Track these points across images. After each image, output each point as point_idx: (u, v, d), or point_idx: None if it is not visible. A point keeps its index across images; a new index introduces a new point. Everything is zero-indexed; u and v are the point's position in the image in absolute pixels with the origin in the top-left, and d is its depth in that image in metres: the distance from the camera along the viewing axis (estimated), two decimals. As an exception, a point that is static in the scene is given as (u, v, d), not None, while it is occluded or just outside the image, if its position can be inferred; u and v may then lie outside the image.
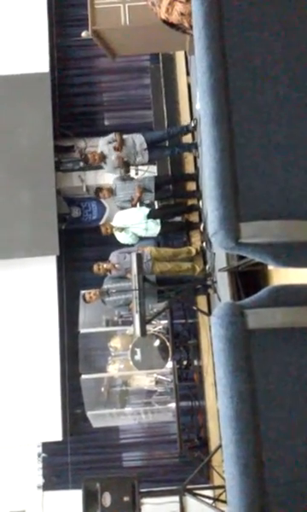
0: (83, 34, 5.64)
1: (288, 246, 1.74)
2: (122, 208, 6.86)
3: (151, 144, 6.61)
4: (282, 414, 1.70)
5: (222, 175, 1.75)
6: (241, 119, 1.80)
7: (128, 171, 6.77)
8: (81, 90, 8.19)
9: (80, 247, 7.84)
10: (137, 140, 6.56)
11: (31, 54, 7.71)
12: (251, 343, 1.71)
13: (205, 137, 1.81)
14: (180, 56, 7.43)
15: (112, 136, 6.56)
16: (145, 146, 6.56)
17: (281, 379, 1.72)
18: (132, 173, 6.99)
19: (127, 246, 6.78)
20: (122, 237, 6.70)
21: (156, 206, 7.05)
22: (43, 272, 7.48)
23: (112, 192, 6.76)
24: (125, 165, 6.60)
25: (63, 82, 8.04)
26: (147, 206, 6.81)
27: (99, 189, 6.90)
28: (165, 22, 3.46)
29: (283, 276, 3.95)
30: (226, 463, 1.71)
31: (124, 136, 6.55)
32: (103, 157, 6.59)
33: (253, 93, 1.84)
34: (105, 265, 6.38)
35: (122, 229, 6.61)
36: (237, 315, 1.72)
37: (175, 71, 7.50)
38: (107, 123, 8.11)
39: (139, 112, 7.81)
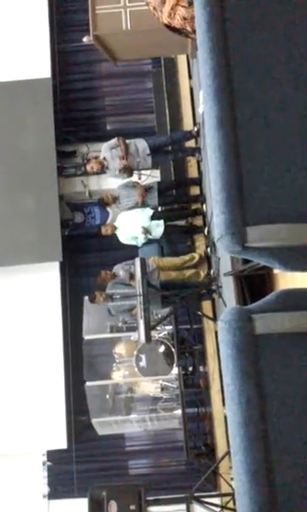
0: (85, 39, 5.65)
1: (295, 250, 1.72)
2: None
3: (154, 149, 6.60)
4: (292, 420, 1.68)
5: (227, 178, 1.73)
6: (246, 122, 1.79)
7: (131, 175, 6.76)
8: (83, 95, 8.20)
9: (83, 252, 7.82)
10: (140, 146, 6.55)
11: (33, 59, 7.72)
12: (259, 348, 1.69)
13: (210, 141, 1.80)
14: (182, 60, 7.43)
15: (115, 141, 6.55)
16: (148, 151, 6.55)
17: (290, 384, 1.70)
18: (135, 178, 6.98)
19: (129, 248, 6.76)
20: (124, 237, 6.68)
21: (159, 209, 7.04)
22: (46, 278, 7.46)
23: (115, 199, 6.76)
24: (130, 170, 6.59)
25: (65, 87, 8.06)
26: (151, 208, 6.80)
27: (102, 199, 6.92)
28: (168, 27, 3.46)
29: (289, 280, 3.92)
30: (235, 470, 1.69)
31: (127, 141, 6.55)
32: (102, 165, 6.56)
33: (257, 95, 1.83)
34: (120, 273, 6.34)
35: (146, 231, 6.56)
36: (245, 320, 1.70)
37: (177, 74, 7.50)
38: (109, 127, 8.12)
39: (141, 116, 7.81)
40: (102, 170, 6.62)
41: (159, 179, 7.29)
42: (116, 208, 7.09)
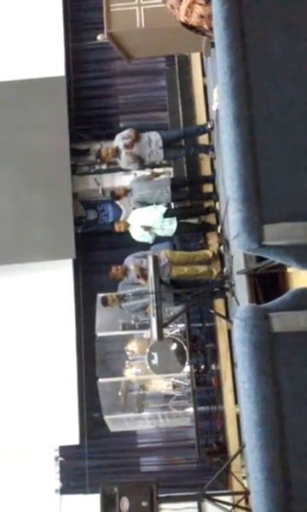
0: (99, 37, 5.65)
1: (313, 248, 1.72)
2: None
3: (167, 143, 6.60)
4: (307, 418, 1.67)
5: (244, 176, 1.73)
6: (262, 120, 1.79)
7: (142, 167, 6.77)
8: (97, 93, 8.21)
9: (96, 250, 7.84)
10: (153, 138, 6.56)
11: (47, 58, 7.75)
12: (275, 346, 1.69)
13: (226, 138, 1.79)
14: (195, 58, 7.41)
15: (127, 132, 6.58)
16: (161, 144, 6.55)
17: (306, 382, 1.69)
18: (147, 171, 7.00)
19: (142, 245, 6.77)
20: (141, 235, 6.67)
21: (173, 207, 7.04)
22: (59, 276, 7.49)
23: (127, 192, 6.76)
24: (139, 160, 6.59)
25: (79, 85, 8.07)
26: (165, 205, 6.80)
27: (114, 192, 6.91)
28: (184, 25, 3.45)
29: (303, 279, 3.91)
30: (250, 468, 1.69)
31: (141, 134, 6.56)
32: (117, 152, 6.61)
33: (274, 93, 1.82)
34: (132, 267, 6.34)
35: (148, 228, 6.56)
36: (261, 318, 1.70)
37: (190, 72, 7.47)
38: (122, 125, 8.10)
39: (154, 114, 7.80)
40: (118, 156, 6.64)
41: (172, 175, 7.28)
42: (128, 205, 7.09)
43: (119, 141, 6.61)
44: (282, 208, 1.75)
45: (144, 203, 6.71)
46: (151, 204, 6.68)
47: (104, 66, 8.18)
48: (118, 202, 7.62)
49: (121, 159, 6.64)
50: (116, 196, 6.89)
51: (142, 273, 6.16)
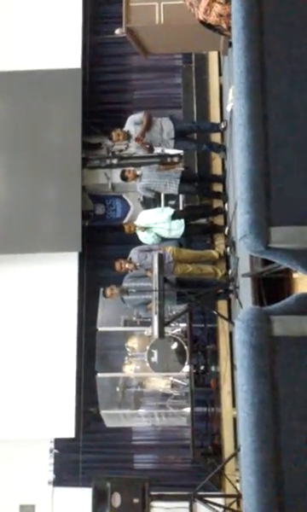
0: (117, 31, 5.65)
1: (319, 253, 1.70)
2: (144, 203, 6.85)
3: (179, 134, 6.57)
4: (304, 423, 1.66)
5: (254, 177, 1.72)
6: (276, 122, 1.77)
7: (151, 151, 6.74)
8: (112, 88, 8.21)
9: (102, 244, 7.85)
10: (166, 127, 6.50)
11: (65, 49, 7.76)
12: (275, 350, 1.68)
13: (239, 139, 1.78)
14: (213, 56, 7.39)
15: (140, 117, 6.51)
16: (172, 135, 6.50)
17: (305, 388, 1.68)
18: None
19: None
20: (144, 237, 6.69)
21: (181, 208, 7.01)
22: (64, 268, 7.50)
23: (137, 177, 6.73)
24: (149, 148, 6.58)
25: (94, 78, 8.07)
26: (172, 206, 6.78)
27: (123, 172, 6.86)
28: (203, 23, 3.44)
29: (308, 284, 3.88)
30: (243, 471, 1.68)
31: (153, 119, 6.51)
32: (128, 136, 6.58)
33: (290, 96, 1.81)
34: (127, 265, 6.37)
35: (145, 229, 6.60)
36: (263, 320, 1.69)
37: (207, 71, 7.45)
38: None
39: (169, 111, 7.75)
40: (129, 140, 6.60)
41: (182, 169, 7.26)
42: (136, 201, 7.09)
43: (131, 125, 6.53)
44: (291, 212, 1.74)
45: (151, 190, 6.69)
46: (157, 192, 6.67)
47: (120, 60, 8.17)
48: (126, 198, 7.62)
49: (131, 142, 6.61)
50: (125, 177, 6.84)
51: (136, 268, 6.22)
